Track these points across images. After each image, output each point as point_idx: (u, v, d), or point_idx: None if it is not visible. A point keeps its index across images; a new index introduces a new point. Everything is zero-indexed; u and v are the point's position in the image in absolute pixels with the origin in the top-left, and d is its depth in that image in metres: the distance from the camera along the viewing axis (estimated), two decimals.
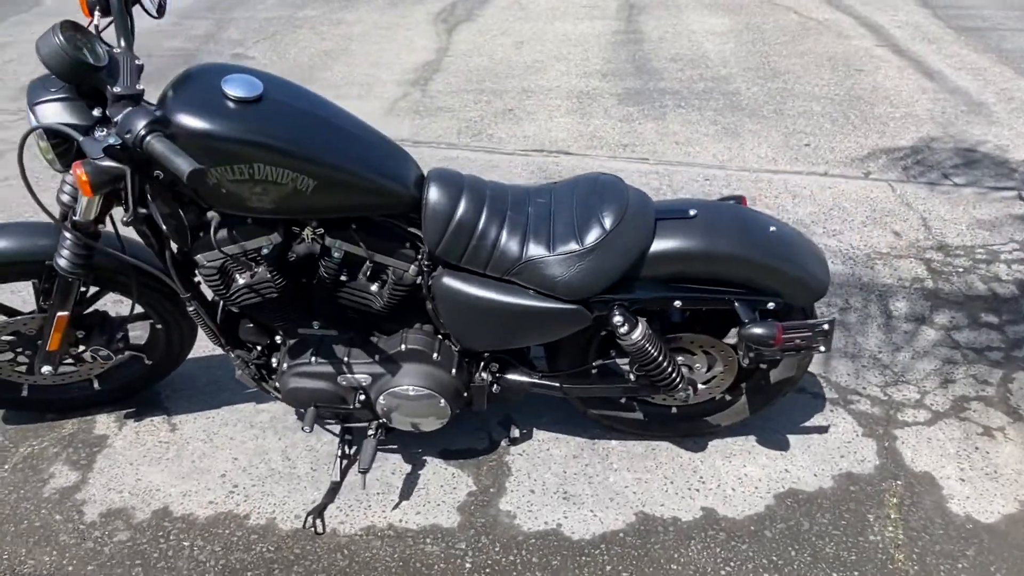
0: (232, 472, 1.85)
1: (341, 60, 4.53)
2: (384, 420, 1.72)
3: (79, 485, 1.81)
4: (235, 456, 1.90)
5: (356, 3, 5.58)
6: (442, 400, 1.65)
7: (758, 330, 1.55)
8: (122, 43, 1.45)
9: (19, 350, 1.81)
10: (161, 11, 1.56)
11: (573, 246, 1.51)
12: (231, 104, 1.33)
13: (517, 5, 5.63)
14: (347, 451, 1.86)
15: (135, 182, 1.32)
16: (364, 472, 1.72)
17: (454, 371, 1.66)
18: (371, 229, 1.53)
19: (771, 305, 1.62)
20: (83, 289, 1.71)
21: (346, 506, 1.77)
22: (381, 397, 1.66)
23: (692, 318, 1.76)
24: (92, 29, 1.43)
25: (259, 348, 1.71)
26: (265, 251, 1.47)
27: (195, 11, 5.44)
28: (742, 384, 1.85)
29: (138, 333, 1.89)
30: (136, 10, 1.54)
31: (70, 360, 1.85)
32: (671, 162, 3.33)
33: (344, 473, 1.82)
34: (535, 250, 1.52)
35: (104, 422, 2.00)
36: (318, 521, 1.70)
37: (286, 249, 1.51)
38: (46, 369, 1.73)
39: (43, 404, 1.97)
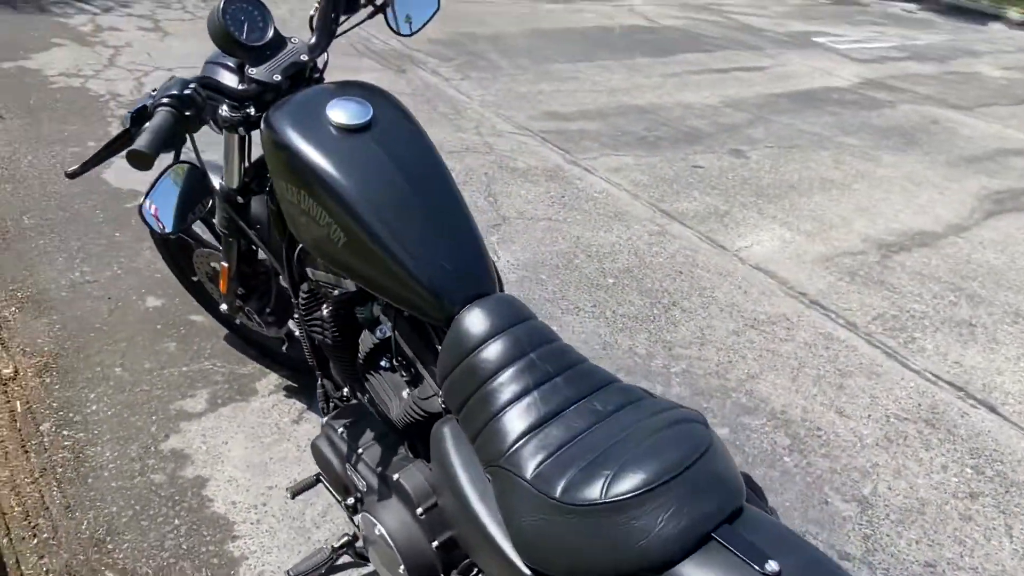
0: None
1: (830, 193, 4.05)
2: (357, 538, 1.48)
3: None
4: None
5: (908, 149, 4.91)
6: (401, 566, 1.27)
7: None
8: (313, 38, 1.44)
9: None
10: (410, 29, 1.55)
11: (582, 494, 0.97)
12: (321, 123, 1.24)
13: None
14: (353, 533, 1.65)
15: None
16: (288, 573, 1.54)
17: (435, 544, 1.26)
18: (417, 325, 1.30)
19: None
20: (243, 250, 1.77)
21: None
22: (363, 512, 1.39)
23: None
24: (319, 18, 1.45)
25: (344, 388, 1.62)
26: (335, 292, 1.37)
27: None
28: None
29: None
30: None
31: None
32: None
33: (337, 553, 1.63)
34: (523, 458, 1.06)
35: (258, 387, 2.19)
36: None
37: (356, 302, 1.38)
38: (223, 307, 1.91)
39: (245, 339, 2.25)
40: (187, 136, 1.22)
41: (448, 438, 1.23)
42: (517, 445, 1.10)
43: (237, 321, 2.19)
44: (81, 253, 2.72)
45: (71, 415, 2.03)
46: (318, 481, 1.63)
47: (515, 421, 1.12)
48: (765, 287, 3.08)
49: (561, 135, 4.48)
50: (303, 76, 1.47)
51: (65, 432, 1.98)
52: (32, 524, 1.72)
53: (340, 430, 1.53)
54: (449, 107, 4.65)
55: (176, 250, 2.14)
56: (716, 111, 5.19)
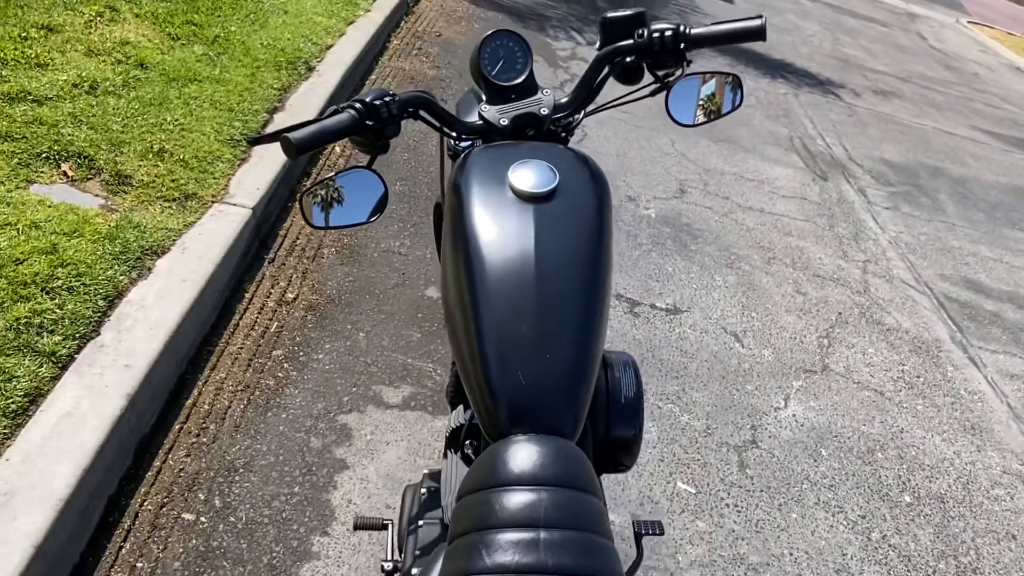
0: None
1: None
2: None
3: None
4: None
5: None
6: None
7: None
8: (567, 97, 1.37)
9: None
10: (691, 120, 1.35)
11: None
12: (500, 178, 1.14)
13: None
14: None
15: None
16: None
17: None
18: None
19: None
20: None
21: None
22: None
23: None
24: (583, 77, 1.36)
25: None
26: None
27: None
28: None
29: None
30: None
31: None
32: None
33: None
34: None
35: None
36: None
37: None
38: None
39: None
40: (379, 145, 1.21)
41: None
42: None
43: None
44: (412, 229, 3.00)
45: (300, 354, 2.25)
46: (385, 527, 1.53)
47: None
48: None
49: (966, 309, 3.64)
50: (540, 129, 1.37)
51: (286, 365, 2.19)
52: (202, 425, 1.94)
53: (423, 489, 1.41)
54: (850, 231, 4.11)
55: None
56: None
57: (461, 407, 1.41)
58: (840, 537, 2.18)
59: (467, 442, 1.29)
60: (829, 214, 4.24)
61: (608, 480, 2.14)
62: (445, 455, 1.37)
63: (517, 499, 0.94)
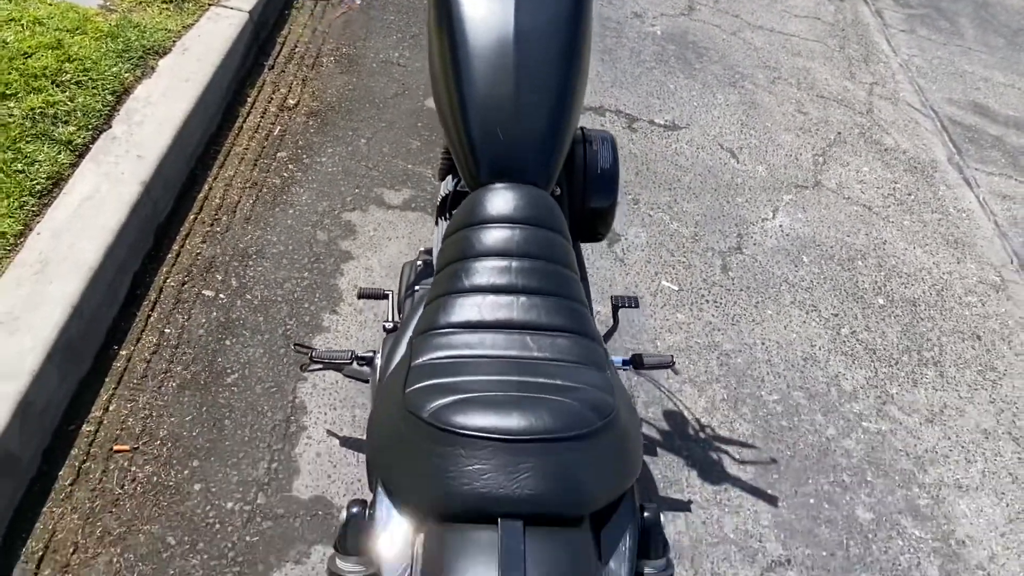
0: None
1: None
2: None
3: None
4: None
5: None
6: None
7: None
8: None
9: None
10: None
11: (429, 406, 0.88)
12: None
13: None
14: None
15: None
16: None
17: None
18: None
19: None
20: None
21: None
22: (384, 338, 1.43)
23: None
24: None
25: None
26: None
27: None
28: None
29: None
30: None
31: None
32: None
33: (356, 361, 1.63)
34: (425, 346, 1.07)
35: None
36: None
37: None
38: None
39: None
40: None
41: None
42: (432, 331, 1.02)
43: None
44: (411, 40, 2.99)
45: (303, 156, 2.33)
46: (386, 296, 1.68)
47: (450, 310, 1.03)
48: None
49: (969, 132, 3.64)
50: None
51: (290, 166, 2.29)
52: (215, 216, 2.06)
53: (419, 262, 1.55)
54: (861, 53, 4.02)
55: None
56: None
57: (449, 177, 1.51)
58: (811, 331, 2.34)
59: (455, 209, 1.41)
60: (842, 35, 4.13)
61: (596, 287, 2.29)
62: (436, 223, 1.48)
63: (494, 234, 1.06)
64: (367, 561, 0.92)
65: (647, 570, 0.90)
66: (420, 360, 0.97)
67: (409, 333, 1.13)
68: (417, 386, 0.91)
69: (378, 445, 0.93)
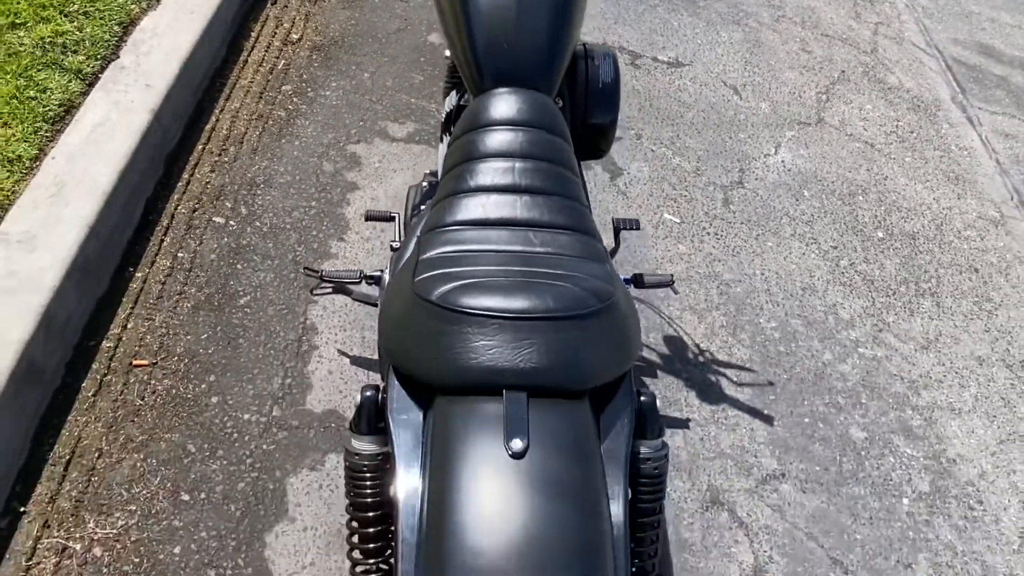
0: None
1: None
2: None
3: None
4: None
5: None
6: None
7: None
8: None
9: None
10: None
11: (438, 291, 0.94)
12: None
13: None
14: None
15: None
16: None
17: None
18: None
19: None
20: None
21: None
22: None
23: None
24: None
25: None
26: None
27: None
28: None
29: None
30: None
31: None
32: None
33: (364, 280, 1.69)
34: (432, 242, 1.10)
35: None
36: None
37: None
38: None
39: None
40: None
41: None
42: (439, 228, 1.06)
43: None
44: None
45: (307, 89, 2.35)
46: (392, 219, 1.72)
47: (456, 209, 1.07)
48: None
49: (973, 72, 3.63)
50: None
51: (295, 99, 2.31)
52: (223, 146, 2.09)
53: (424, 183, 1.58)
54: None
55: None
56: None
57: (453, 93, 1.54)
58: (810, 263, 2.39)
59: None
60: None
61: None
62: (441, 139, 1.52)
63: (497, 137, 1.10)
64: (380, 440, 0.98)
65: (643, 449, 0.96)
66: (428, 254, 1.02)
67: (416, 236, 1.17)
68: (426, 275, 0.96)
69: (390, 330, 0.98)
